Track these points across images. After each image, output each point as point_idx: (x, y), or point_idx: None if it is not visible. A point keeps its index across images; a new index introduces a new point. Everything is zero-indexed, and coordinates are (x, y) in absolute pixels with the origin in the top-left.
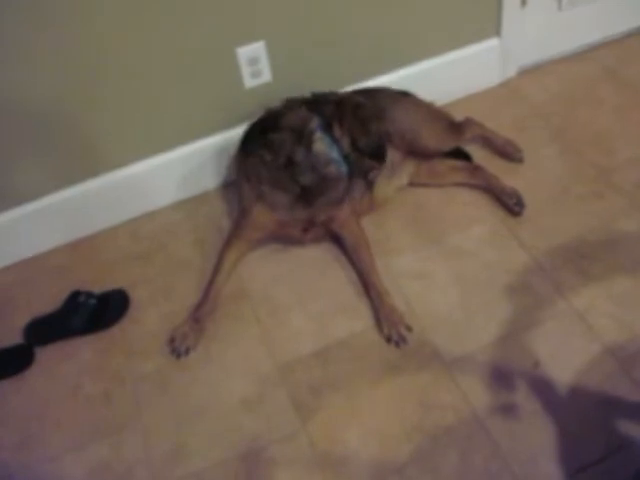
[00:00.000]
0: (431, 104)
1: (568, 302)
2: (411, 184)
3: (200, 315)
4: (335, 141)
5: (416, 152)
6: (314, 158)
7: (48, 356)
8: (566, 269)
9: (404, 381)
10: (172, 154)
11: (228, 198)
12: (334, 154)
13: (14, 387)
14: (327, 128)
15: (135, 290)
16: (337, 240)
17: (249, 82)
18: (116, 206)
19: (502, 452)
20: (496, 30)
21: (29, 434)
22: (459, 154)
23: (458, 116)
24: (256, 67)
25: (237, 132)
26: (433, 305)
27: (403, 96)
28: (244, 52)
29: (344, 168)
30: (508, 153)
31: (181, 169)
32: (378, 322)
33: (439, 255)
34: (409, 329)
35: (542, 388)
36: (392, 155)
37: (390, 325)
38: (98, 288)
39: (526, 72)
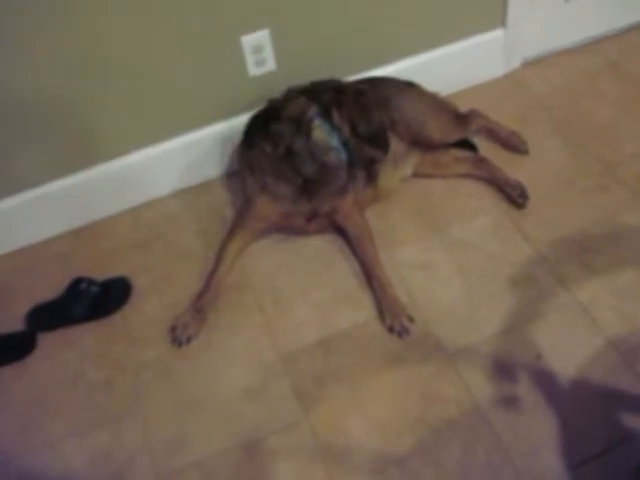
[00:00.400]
0: (436, 95)
1: (571, 295)
2: (415, 175)
3: (202, 304)
4: (334, 128)
5: (421, 143)
6: (313, 146)
7: (50, 343)
8: (569, 262)
9: (407, 372)
10: (175, 142)
11: (231, 187)
12: (333, 141)
13: (15, 373)
14: (326, 115)
15: (137, 278)
16: (340, 231)
17: (253, 70)
18: (117, 194)
19: (504, 444)
20: (501, 21)
21: (30, 420)
22: (465, 144)
23: (462, 107)
24: (260, 55)
25: (241, 121)
26: (436, 297)
27: (408, 86)
28: (248, 40)
29: (344, 155)
30: (513, 145)
31: (184, 158)
32: (381, 313)
33: (442, 246)
34: (412, 320)
35: (544, 381)
36: (396, 146)
37: (393, 316)
38: (99, 276)
39: (530, 64)
